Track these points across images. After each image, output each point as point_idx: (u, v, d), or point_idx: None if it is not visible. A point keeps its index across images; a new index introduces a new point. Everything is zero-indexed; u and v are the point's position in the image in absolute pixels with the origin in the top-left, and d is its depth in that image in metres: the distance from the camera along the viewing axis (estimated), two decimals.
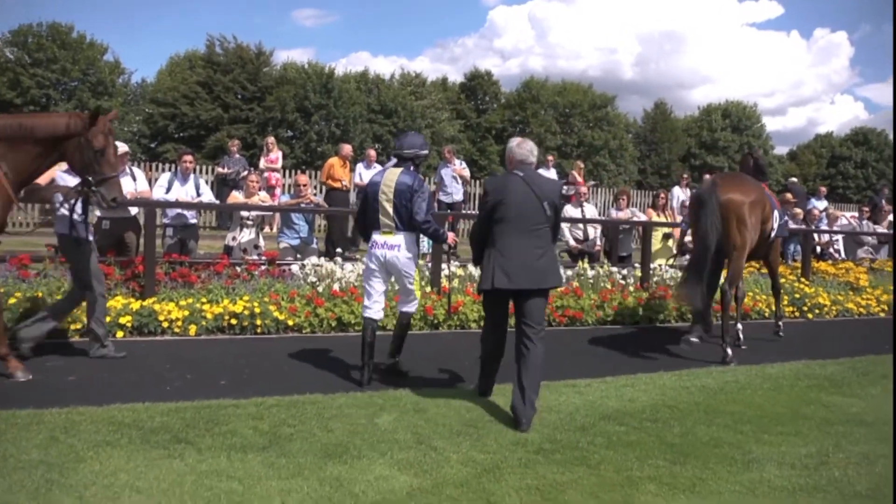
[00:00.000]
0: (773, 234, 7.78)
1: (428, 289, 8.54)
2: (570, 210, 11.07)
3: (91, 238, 6.05)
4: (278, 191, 14.43)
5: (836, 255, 12.62)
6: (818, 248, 12.48)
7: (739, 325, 7.89)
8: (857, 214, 13.93)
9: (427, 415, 4.76)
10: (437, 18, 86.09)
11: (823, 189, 16.13)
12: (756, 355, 7.21)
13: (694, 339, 7.74)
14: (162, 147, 35.77)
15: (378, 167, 13.56)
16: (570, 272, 9.52)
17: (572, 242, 10.94)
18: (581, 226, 10.96)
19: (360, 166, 13.46)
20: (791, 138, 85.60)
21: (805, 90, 79.16)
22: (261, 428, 4.34)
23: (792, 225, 12.17)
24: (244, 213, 9.22)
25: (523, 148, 5.25)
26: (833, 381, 6.04)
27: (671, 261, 10.54)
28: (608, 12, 73.91)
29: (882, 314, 10.80)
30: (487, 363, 5.26)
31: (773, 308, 9.05)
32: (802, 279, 10.64)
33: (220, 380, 5.45)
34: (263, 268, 8.45)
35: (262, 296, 7.72)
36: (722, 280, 7.40)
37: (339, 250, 9.09)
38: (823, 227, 13.24)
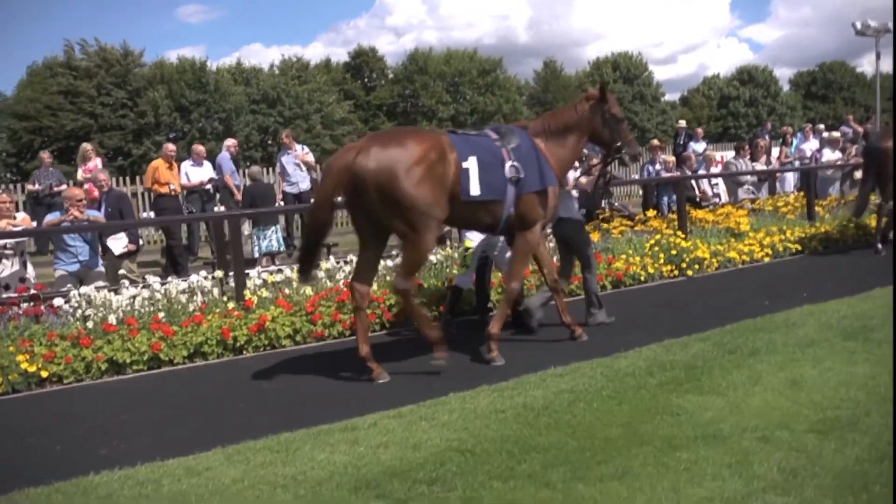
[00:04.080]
0: None
1: (230, 305, 7.00)
2: None
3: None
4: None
5: (717, 201, 11.62)
6: (698, 198, 11.41)
7: None
8: (734, 154, 13.02)
9: None
10: (327, 2, 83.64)
11: (700, 130, 15.18)
12: (620, 337, 5.97)
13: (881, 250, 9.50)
14: (31, 164, 33.05)
15: (208, 164, 11.89)
16: None
17: None
18: None
19: (185, 165, 11.71)
20: (683, 85, 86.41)
21: (691, 37, 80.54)
22: None
23: (664, 173, 11.12)
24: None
25: None
26: (692, 371, 4.79)
27: None
28: None
29: (767, 259, 9.80)
30: None
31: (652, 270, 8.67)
32: (679, 232, 9.53)
33: None
34: (25, 306, 6.78)
35: (9, 344, 6.07)
36: None
37: (122, 271, 7.49)
38: (702, 172, 12.25)
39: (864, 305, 6.44)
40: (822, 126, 16.66)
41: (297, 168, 12.23)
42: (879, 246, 9.60)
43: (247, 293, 7.09)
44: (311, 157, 12.65)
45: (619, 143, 6.07)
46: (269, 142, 40.00)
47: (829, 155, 13.31)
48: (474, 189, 5.24)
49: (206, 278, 7.28)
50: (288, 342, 6.77)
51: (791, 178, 14.04)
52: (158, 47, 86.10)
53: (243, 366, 6.19)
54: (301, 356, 6.35)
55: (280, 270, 7.67)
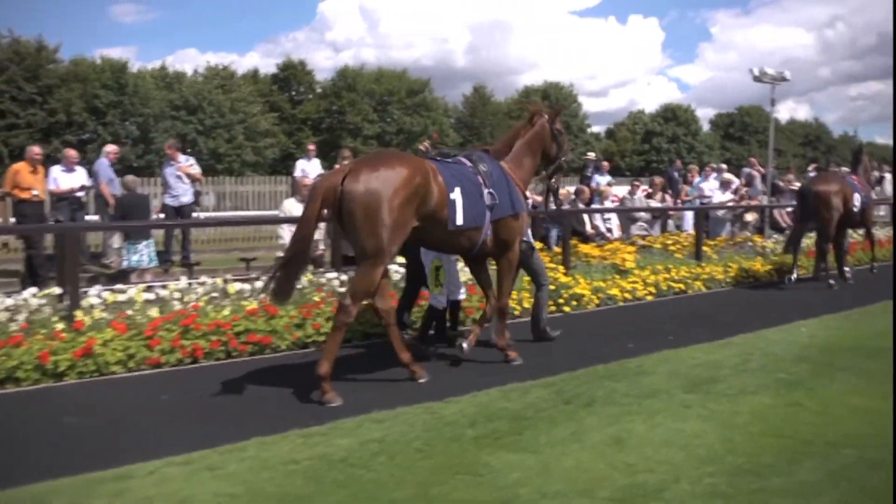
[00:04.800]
0: (855, 209, 10.54)
1: (59, 326, 6.39)
2: (291, 206, 9.19)
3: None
4: None
5: (609, 236, 11.52)
6: (589, 233, 11.27)
7: (847, 268, 11.08)
8: (629, 190, 13.02)
9: None
10: (267, 13, 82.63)
11: (606, 164, 15.21)
12: (466, 378, 5.65)
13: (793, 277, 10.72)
14: None
15: (81, 170, 11.19)
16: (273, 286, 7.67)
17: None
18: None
19: (55, 170, 10.96)
20: (615, 118, 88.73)
21: (623, 73, 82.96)
22: None
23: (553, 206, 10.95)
24: None
25: None
26: (518, 422, 4.46)
27: None
28: (439, 1, 73.64)
29: (650, 297, 9.68)
30: None
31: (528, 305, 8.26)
32: (560, 267, 9.33)
33: None
34: None
35: None
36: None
37: None
38: (597, 205, 12.16)
39: (720, 353, 6.28)
40: (724, 166, 16.91)
41: (178, 180, 11.61)
42: (792, 276, 10.67)
43: (79, 314, 6.51)
44: (195, 170, 12.02)
45: (562, 156, 6.52)
46: (188, 150, 38.92)
47: (721, 196, 13.45)
48: (460, 219, 5.52)
49: (34, 295, 6.65)
50: (119, 368, 6.20)
51: (691, 217, 14.10)
52: (88, 45, 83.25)
53: (57, 394, 5.62)
54: (126, 386, 5.81)
55: (123, 291, 7.11)
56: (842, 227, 10.82)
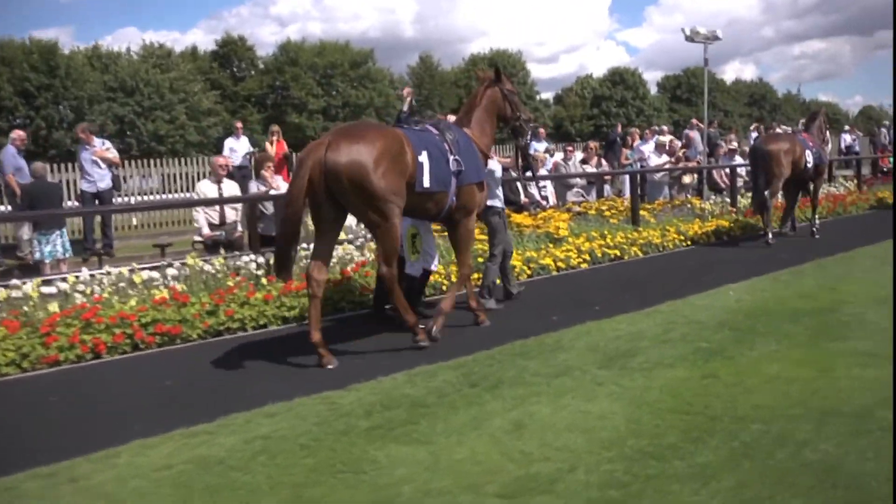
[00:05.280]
0: (808, 166, 10.87)
1: None
2: (206, 188, 8.76)
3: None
4: None
5: (545, 204, 11.29)
6: (522, 202, 10.98)
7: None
8: (562, 156, 12.80)
9: None
10: None
11: (542, 131, 14.97)
12: (375, 362, 5.36)
13: (770, 240, 10.54)
14: None
15: None
16: (186, 271, 7.32)
17: (206, 230, 8.63)
18: (217, 208, 8.65)
19: None
20: (564, 84, 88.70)
21: (572, 38, 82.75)
22: None
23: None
24: None
25: None
26: (416, 410, 4.16)
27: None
28: None
29: (584, 265, 9.49)
30: None
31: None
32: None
33: None
34: None
35: None
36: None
37: None
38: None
39: (644, 323, 6.09)
40: (665, 128, 16.81)
41: (95, 165, 11.06)
42: (770, 237, 10.57)
43: None
44: (112, 154, 11.47)
45: (519, 114, 6.63)
46: (128, 133, 37.90)
47: (657, 159, 13.31)
48: (427, 181, 5.68)
49: None
50: (12, 369, 5.79)
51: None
52: (21, 26, 79.85)
53: None
54: (16, 388, 5.41)
55: (18, 286, 6.66)
56: (794, 185, 11.12)
